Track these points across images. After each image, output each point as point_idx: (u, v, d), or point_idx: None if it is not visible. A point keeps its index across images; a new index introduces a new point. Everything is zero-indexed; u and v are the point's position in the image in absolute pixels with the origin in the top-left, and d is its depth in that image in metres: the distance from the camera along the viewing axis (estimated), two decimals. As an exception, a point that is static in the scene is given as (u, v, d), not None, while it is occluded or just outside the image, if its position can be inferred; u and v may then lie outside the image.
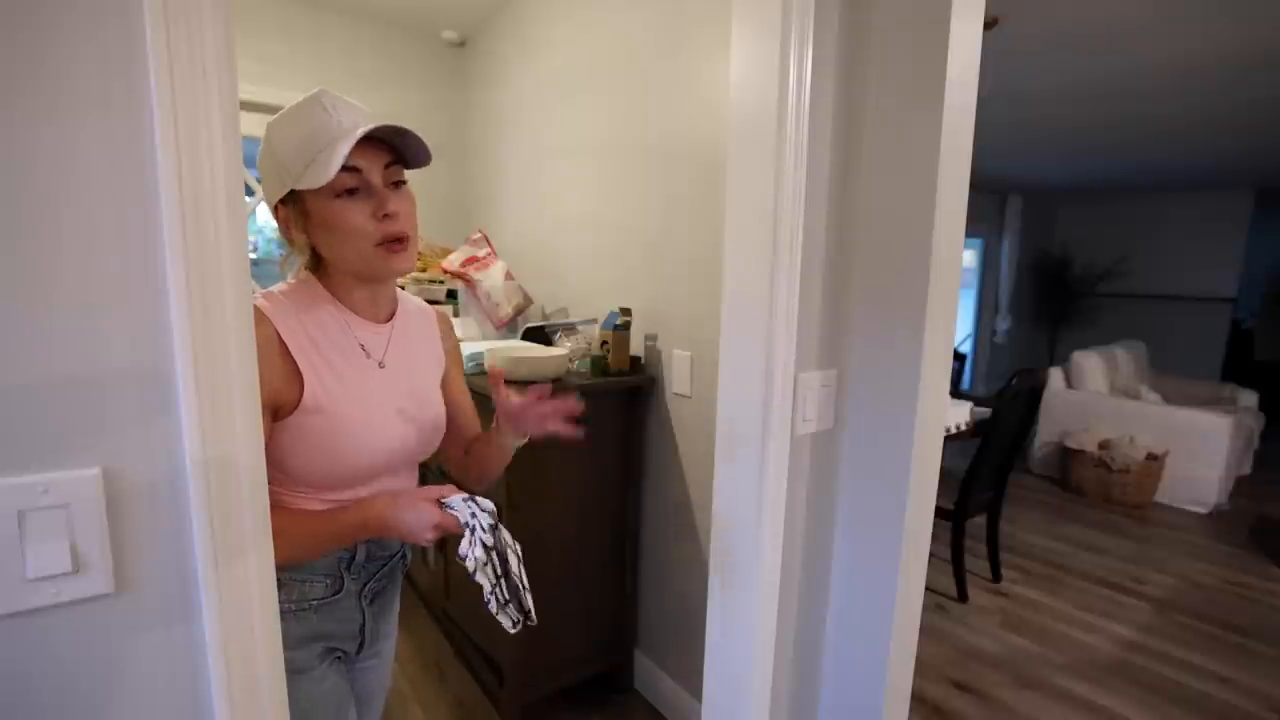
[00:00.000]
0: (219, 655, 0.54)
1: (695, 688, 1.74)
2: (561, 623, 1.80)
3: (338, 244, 0.76)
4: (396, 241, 0.77)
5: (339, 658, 0.89)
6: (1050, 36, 2.35)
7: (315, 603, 0.82)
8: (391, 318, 0.88)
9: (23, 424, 0.46)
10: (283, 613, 0.75)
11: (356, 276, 0.81)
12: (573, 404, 0.88)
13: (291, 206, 0.77)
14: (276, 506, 0.66)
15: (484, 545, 0.77)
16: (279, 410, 0.74)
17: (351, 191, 0.75)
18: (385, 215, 0.75)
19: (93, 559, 0.49)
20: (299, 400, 0.74)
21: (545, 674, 1.79)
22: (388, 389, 0.83)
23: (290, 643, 0.78)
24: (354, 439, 0.79)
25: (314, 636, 0.83)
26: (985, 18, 1.05)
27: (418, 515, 0.75)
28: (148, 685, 0.53)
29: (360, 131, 0.72)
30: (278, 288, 0.80)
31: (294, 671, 0.78)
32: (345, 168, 0.72)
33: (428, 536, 0.76)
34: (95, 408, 0.48)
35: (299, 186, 0.73)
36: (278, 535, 0.57)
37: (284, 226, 0.79)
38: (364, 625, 0.89)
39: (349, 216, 0.75)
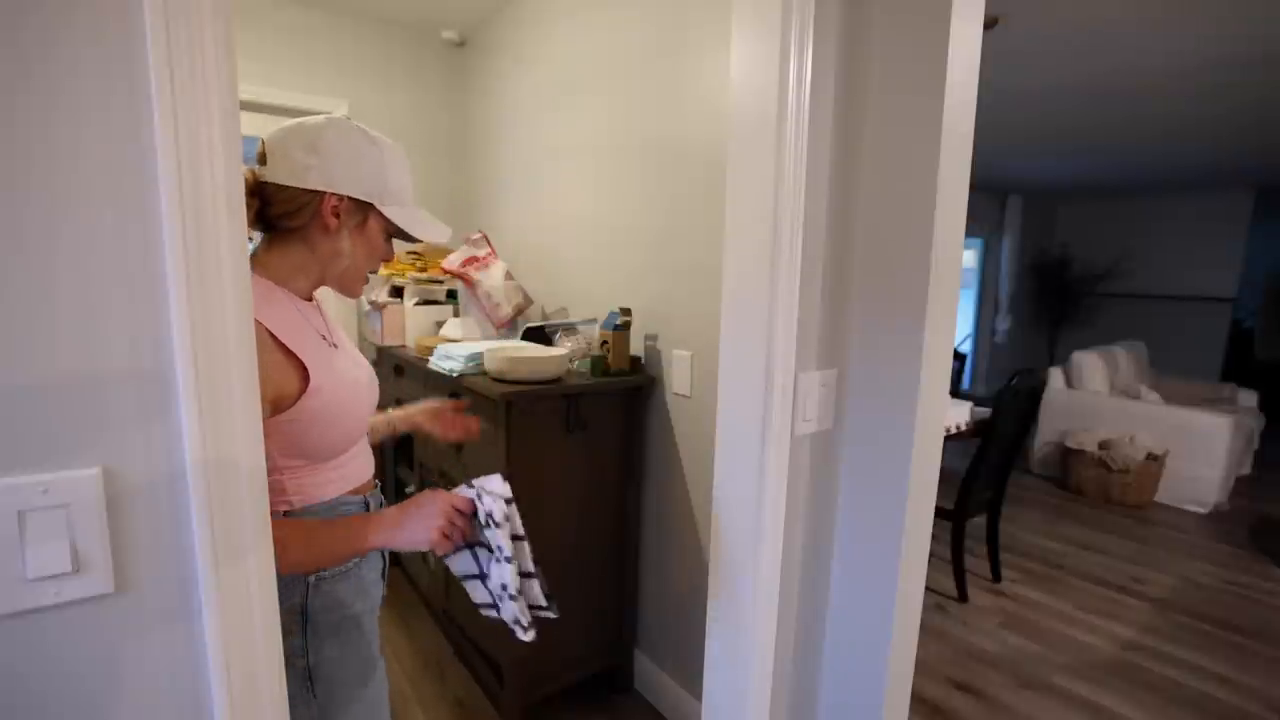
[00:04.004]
0: (219, 655, 0.54)
1: (695, 688, 1.74)
2: (562, 623, 1.79)
3: (362, 258, 0.89)
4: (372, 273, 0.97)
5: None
6: (1050, 36, 2.35)
7: (360, 558, 0.89)
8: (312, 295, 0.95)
9: (23, 424, 0.46)
10: (338, 575, 0.85)
11: (323, 280, 0.89)
12: (476, 426, 1.13)
13: (353, 208, 0.85)
14: (287, 521, 0.78)
15: (504, 499, 0.82)
16: (279, 402, 0.76)
17: (389, 239, 0.93)
18: (384, 261, 0.94)
19: (93, 559, 0.49)
20: (303, 387, 0.78)
21: (545, 674, 1.79)
22: (345, 362, 0.91)
23: (352, 596, 0.88)
24: (351, 403, 0.86)
25: (364, 589, 0.91)
26: (985, 18, 1.05)
27: (421, 515, 0.81)
28: (148, 685, 0.53)
29: (444, 237, 0.94)
30: None
31: (353, 621, 0.88)
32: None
33: (438, 524, 0.80)
34: (95, 408, 0.48)
35: (405, 229, 0.88)
36: (288, 549, 0.69)
37: (330, 214, 0.83)
38: (384, 569, 0.98)
39: (380, 250, 0.91)
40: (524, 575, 0.86)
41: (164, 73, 0.46)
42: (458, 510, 0.82)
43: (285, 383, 0.77)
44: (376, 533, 0.80)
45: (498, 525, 0.81)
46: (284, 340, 0.77)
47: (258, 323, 0.74)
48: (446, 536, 0.80)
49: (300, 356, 0.78)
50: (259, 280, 0.81)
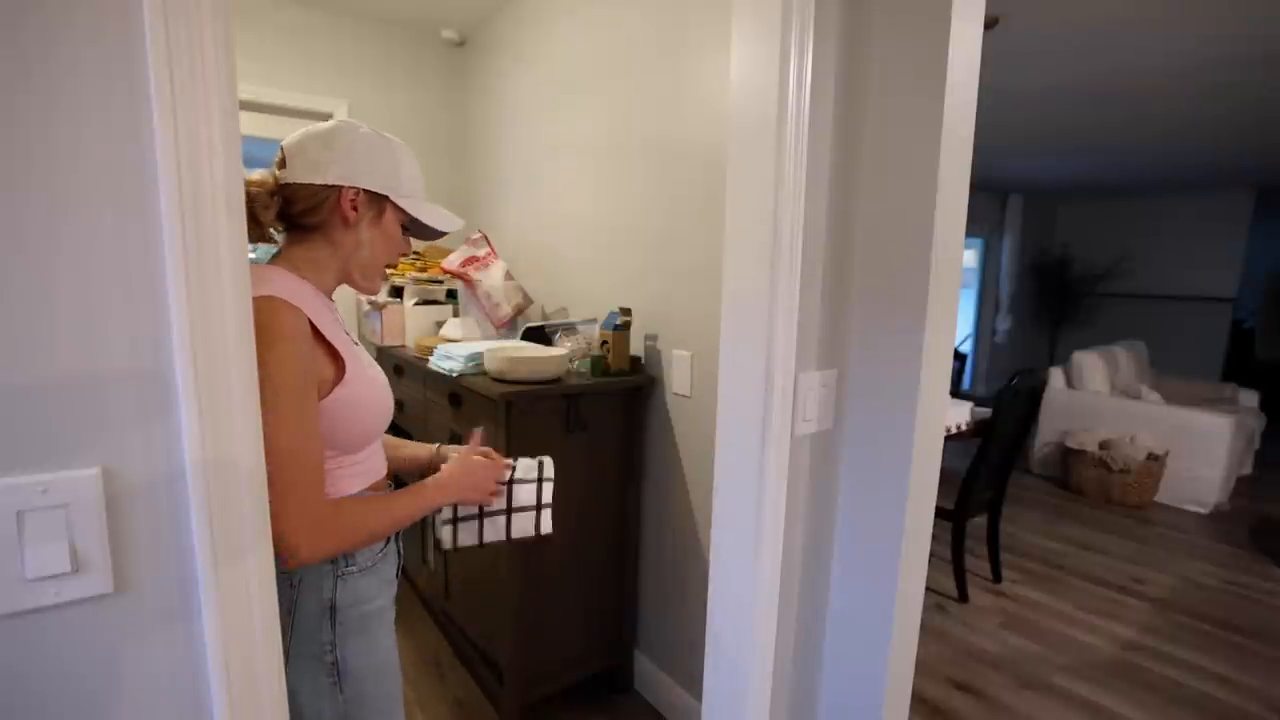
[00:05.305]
0: (219, 655, 0.54)
1: (695, 688, 1.74)
2: (562, 623, 1.80)
3: (381, 250, 0.92)
4: (390, 268, 1.02)
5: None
6: (1050, 36, 2.35)
7: (384, 542, 0.94)
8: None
9: (23, 424, 0.46)
10: (364, 569, 0.89)
11: (346, 275, 0.91)
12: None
13: (370, 200, 0.88)
14: (357, 500, 0.84)
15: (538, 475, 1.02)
16: (318, 390, 0.80)
17: (405, 232, 0.97)
18: (402, 254, 0.98)
19: (92, 559, 0.49)
20: (339, 377, 0.82)
21: (545, 674, 1.79)
22: (366, 358, 0.93)
23: (375, 591, 0.91)
24: (375, 399, 0.89)
25: (386, 583, 0.94)
26: (985, 18, 1.05)
27: (483, 473, 0.97)
28: (148, 685, 0.53)
29: (456, 226, 0.98)
30: (279, 277, 0.81)
31: (376, 616, 0.91)
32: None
33: (493, 486, 0.97)
34: (95, 408, 0.48)
35: (418, 218, 0.92)
36: (369, 520, 0.82)
37: (349, 207, 0.86)
38: (398, 569, 1.02)
39: (397, 242, 0.94)
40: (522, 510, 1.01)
41: (164, 73, 0.46)
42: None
43: (322, 373, 0.81)
44: (438, 491, 0.91)
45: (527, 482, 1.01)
46: (323, 331, 0.80)
47: (301, 312, 0.77)
48: (493, 495, 0.97)
49: (337, 347, 0.82)
50: (290, 275, 0.83)
